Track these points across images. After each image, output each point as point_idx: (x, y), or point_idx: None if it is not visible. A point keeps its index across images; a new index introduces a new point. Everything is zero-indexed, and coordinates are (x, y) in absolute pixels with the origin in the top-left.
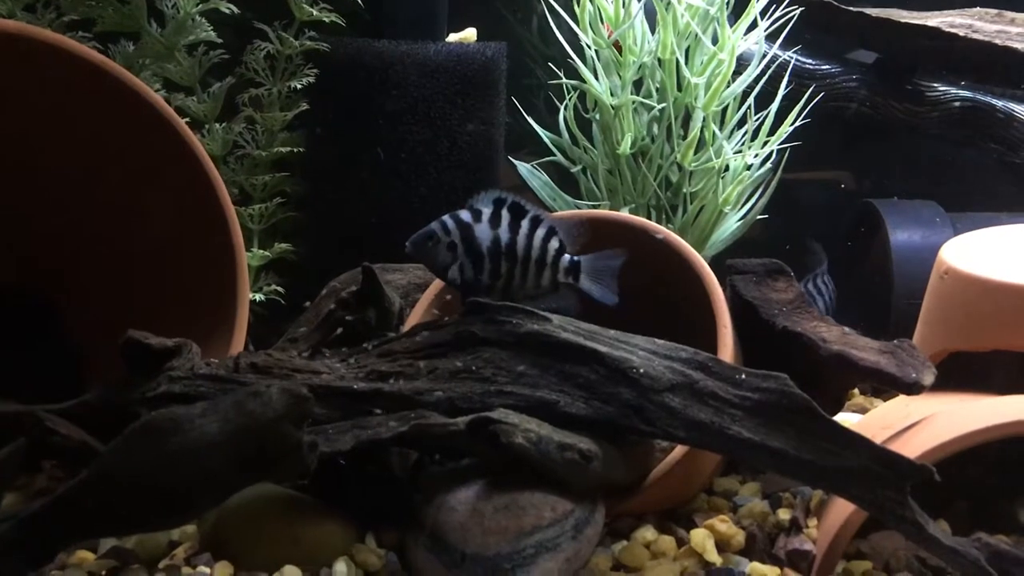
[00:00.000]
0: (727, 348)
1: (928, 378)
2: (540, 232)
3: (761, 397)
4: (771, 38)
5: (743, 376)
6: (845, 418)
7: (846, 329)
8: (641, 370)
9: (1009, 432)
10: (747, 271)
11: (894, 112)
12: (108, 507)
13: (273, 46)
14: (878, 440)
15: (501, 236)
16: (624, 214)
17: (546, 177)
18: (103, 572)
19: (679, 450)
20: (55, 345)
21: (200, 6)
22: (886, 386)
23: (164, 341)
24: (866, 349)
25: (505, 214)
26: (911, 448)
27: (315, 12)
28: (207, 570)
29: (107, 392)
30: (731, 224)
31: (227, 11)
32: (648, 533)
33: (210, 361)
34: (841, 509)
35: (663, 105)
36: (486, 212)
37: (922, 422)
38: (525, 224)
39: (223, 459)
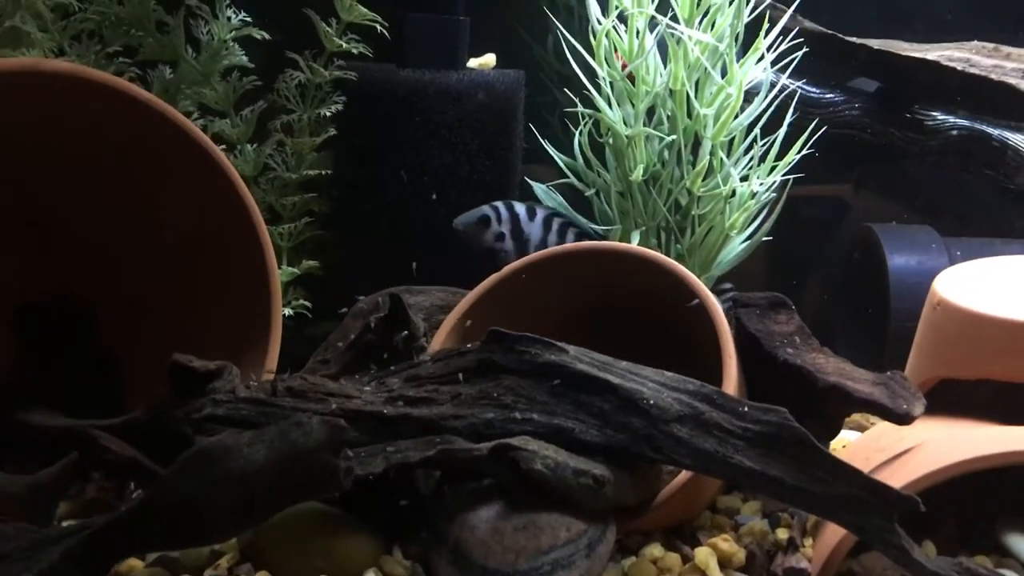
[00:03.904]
0: (731, 378)
1: (918, 409)
2: None
3: (762, 429)
4: (780, 67)
5: (746, 408)
6: (843, 436)
7: (842, 361)
8: (651, 401)
9: (993, 463)
10: (751, 304)
11: (894, 140)
12: (164, 525)
13: (304, 75)
14: (872, 461)
15: (549, 240)
16: (630, 246)
17: (560, 198)
18: None
19: (685, 474)
20: (90, 355)
21: (234, 33)
22: (879, 416)
23: (207, 364)
24: (861, 381)
25: (556, 221)
26: (900, 476)
27: (344, 44)
28: None
29: (152, 411)
30: (736, 246)
31: (259, 37)
32: (656, 550)
33: (250, 384)
34: (834, 531)
35: (673, 137)
36: (541, 213)
37: (912, 450)
38: (570, 236)
39: (268, 483)
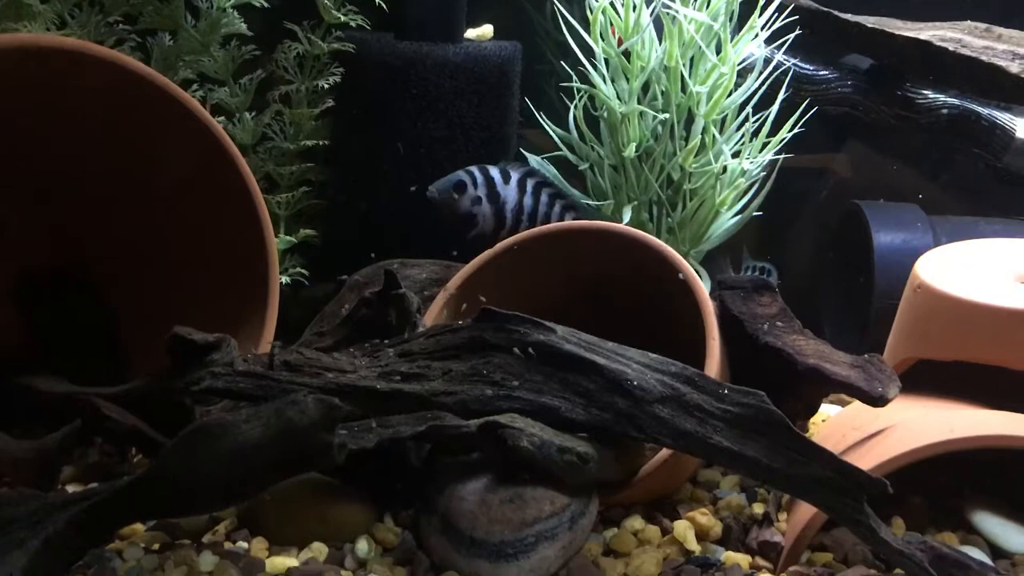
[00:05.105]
0: (714, 358)
1: (893, 392)
2: (556, 208)
3: (740, 411)
4: (775, 43)
5: (726, 391)
6: (824, 409)
7: (822, 343)
8: (635, 382)
9: (960, 447)
10: (736, 286)
11: (885, 117)
12: (165, 497)
13: (303, 47)
14: (848, 439)
15: (525, 201)
16: (620, 225)
17: (554, 170)
18: (155, 546)
19: (665, 451)
20: (92, 323)
21: (233, 1)
22: (855, 398)
23: (206, 337)
24: (839, 363)
25: (531, 181)
26: (872, 457)
27: (343, 17)
28: (245, 545)
29: (153, 381)
30: (725, 221)
31: (258, 5)
32: (636, 522)
33: (247, 357)
34: (807, 507)
35: (666, 115)
36: (515, 175)
37: (885, 431)
38: (544, 196)
39: (264, 459)
